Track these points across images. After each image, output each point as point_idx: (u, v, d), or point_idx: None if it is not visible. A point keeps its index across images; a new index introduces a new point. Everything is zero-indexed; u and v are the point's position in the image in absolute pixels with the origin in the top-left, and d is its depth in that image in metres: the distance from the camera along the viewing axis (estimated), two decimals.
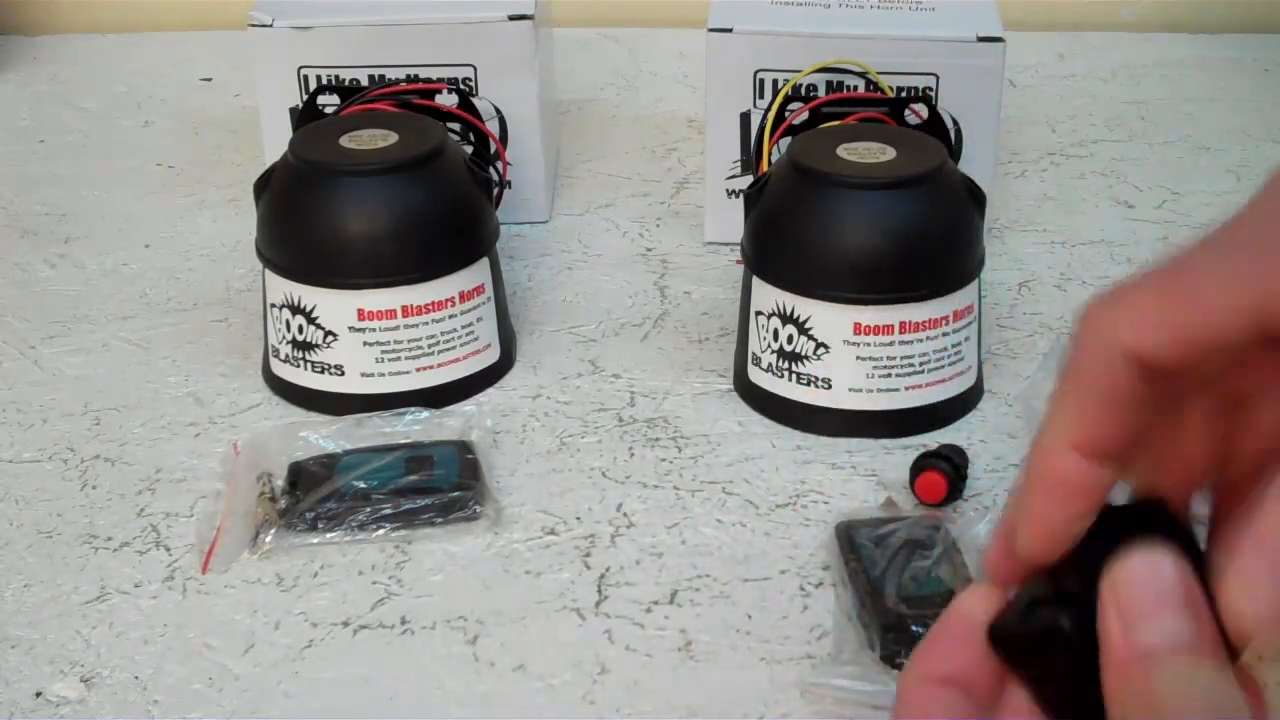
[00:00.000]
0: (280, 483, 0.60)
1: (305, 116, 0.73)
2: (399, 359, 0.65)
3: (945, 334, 0.63)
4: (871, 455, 0.63)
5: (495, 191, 0.70)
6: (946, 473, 0.58)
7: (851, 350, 0.62)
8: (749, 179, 0.76)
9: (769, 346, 0.64)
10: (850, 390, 0.63)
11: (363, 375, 0.65)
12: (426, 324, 0.65)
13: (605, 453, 0.63)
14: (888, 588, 0.52)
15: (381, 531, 0.58)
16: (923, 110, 0.71)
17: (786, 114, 0.72)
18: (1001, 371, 0.68)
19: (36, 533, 0.59)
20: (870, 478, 0.61)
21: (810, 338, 0.62)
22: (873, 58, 0.73)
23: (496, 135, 0.77)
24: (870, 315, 0.62)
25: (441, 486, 0.59)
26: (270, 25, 0.77)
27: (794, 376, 0.63)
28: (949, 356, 0.63)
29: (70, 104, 1.02)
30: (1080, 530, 0.35)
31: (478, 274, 0.66)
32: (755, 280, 0.64)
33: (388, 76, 0.77)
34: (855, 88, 0.74)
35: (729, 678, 0.51)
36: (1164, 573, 0.33)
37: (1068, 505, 0.35)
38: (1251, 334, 0.34)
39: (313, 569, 0.56)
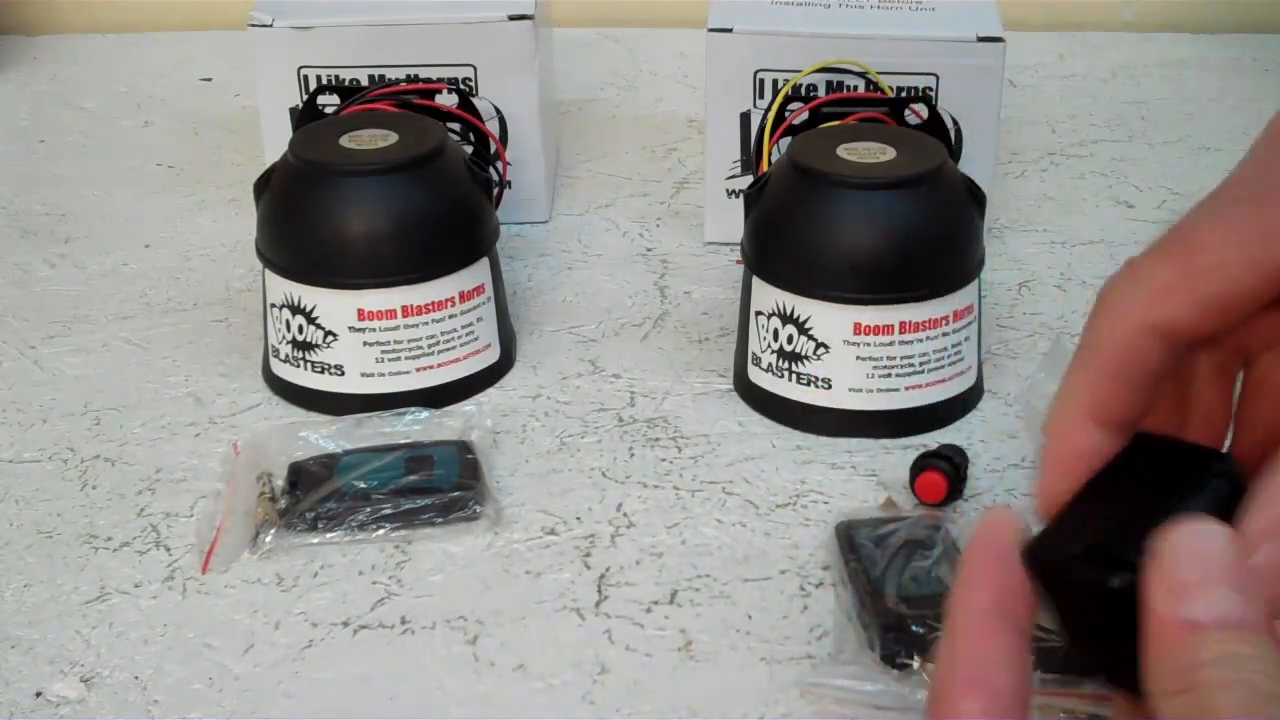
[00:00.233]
0: (280, 483, 0.60)
1: (305, 116, 0.73)
2: (399, 359, 0.65)
3: (945, 334, 0.63)
4: (871, 455, 0.63)
5: (495, 191, 0.70)
6: (946, 473, 0.58)
7: (851, 350, 0.62)
8: (749, 179, 0.76)
9: (769, 346, 0.64)
10: (850, 390, 0.63)
11: (363, 375, 0.65)
12: (426, 324, 0.65)
13: (605, 453, 0.63)
14: (888, 588, 0.52)
15: (381, 531, 0.58)
16: (923, 110, 0.71)
17: (786, 114, 0.72)
18: (1001, 371, 0.68)
19: (36, 533, 0.59)
20: (870, 478, 0.61)
21: (810, 338, 0.62)
22: (873, 58, 0.73)
23: (496, 135, 0.77)
24: (870, 315, 0.62)
25: (441, 486, 0.59)
26: (270, 25, 0.77)
27: (794, 376, 0.63)
28: (949, 356, 0.63)
29: (70, 104, 1.02)
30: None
31: (478, 274, 0.66)
32: (755, 280, 0.64)
33: (388, 76, 0.77)
34: (855, 88, 0.74)
35: (729, 678, 0.51)
36: (1213, 546, 0.32)
37: (1081, 471, 0.36)
38: (1262, 285, 0.34)
39: (313, 569, 0.56)
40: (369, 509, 0.58)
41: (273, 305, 0.66)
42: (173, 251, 0.81)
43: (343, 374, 0.65)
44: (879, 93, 0.73)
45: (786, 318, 0.63)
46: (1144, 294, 0.36)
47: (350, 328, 0.64)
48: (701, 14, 0.76)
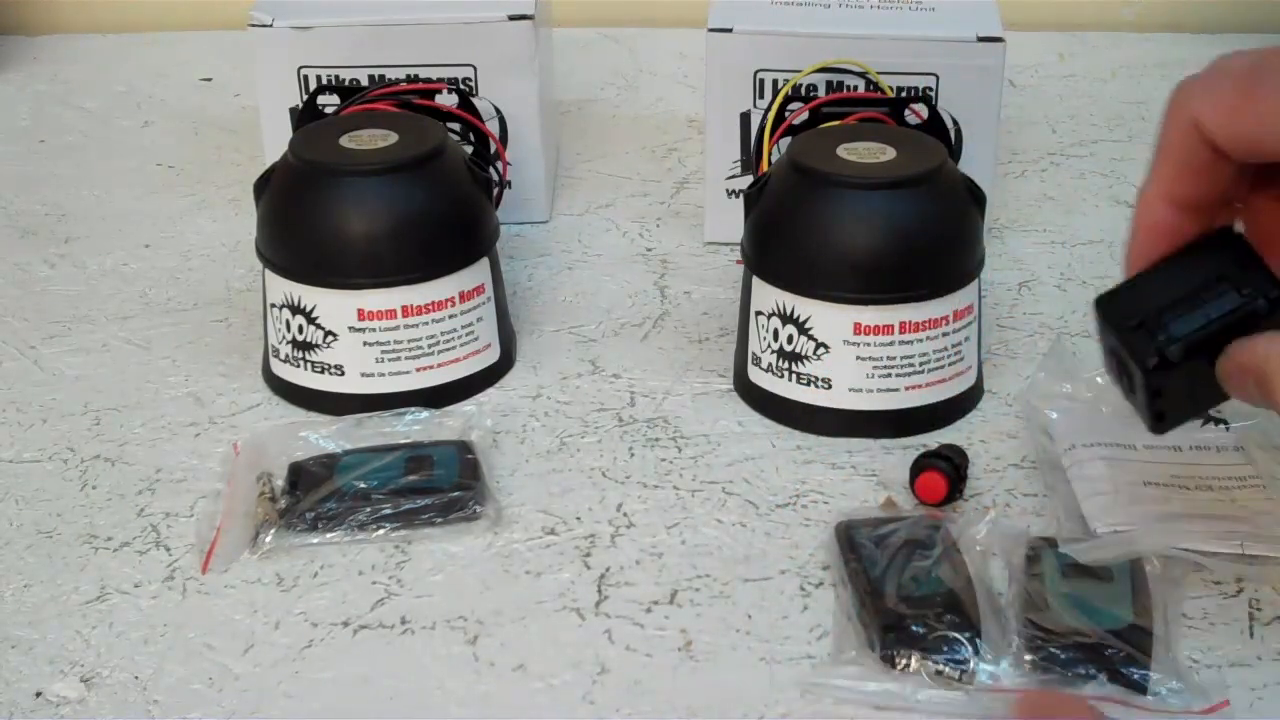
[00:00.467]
0: (280, 483, 0.60)
1: (305, 116, 0.73)
2: (399, 359, 0.65)
3: (945, 334, 0.63)
4: (871, 455, 0.62)
5: (495, 191, 0.70)
6: (946, 473, 0.58)
7: (851, 350, 0.62)
8: (749, 179, 0.76)
9: (769, 346, 0.64)
10: (850, 390, 0.63)
11: (363, 375, 0.65)
12: (426, 324, 0.65)
13: (605, 453, 0.63)
14: (888, 588, 0.52)
15: (381, 531, 0.58)
16: (923, 110, 0.71)
17: (786, 114, 0.72)
18: (1001, 371, 0.68)
19: (36, 533, 0.59)
20: (870, 478, 0.61)
21: (810, 338, 0.62)
22: (873, 58, 0.73)
23: (496, 135, 0.77)
24: (870, 315, 0.62)
25: (441, 486, 0.59)
26: (270, 25, 0.77)
27: (794, 376, 0.63)
28: (949, 356, 0.63)
29: (70, 104, 1.02)
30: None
31: (478, 274, 0.66)
32: (755, 280, 0.64)
33: (388, 76, 0.77)
34: (855, 88, 0.74)
35: (729, 678, 0.51)
36: None
37: (1158, 242, 0.44)
38: None
39: (313, 569, 0.56)
40: (369, 509, 0.58)
41: (273, 305, 0.66)
42: (173, 251, 0.81)
43: (343, 374, 0.65)
44: (879, 93, 0.73)
45: (786, 318, 0.63)
46: (1205, 104, 0.40)
47: (350, 328, 0.64)
48: (701, 14, 0.76)
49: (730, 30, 0.75)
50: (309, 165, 0.64)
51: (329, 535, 0.57)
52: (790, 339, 0.63)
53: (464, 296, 0.65)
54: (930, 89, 0.74)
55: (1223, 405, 0.47)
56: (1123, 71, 1.05)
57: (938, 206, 0.63)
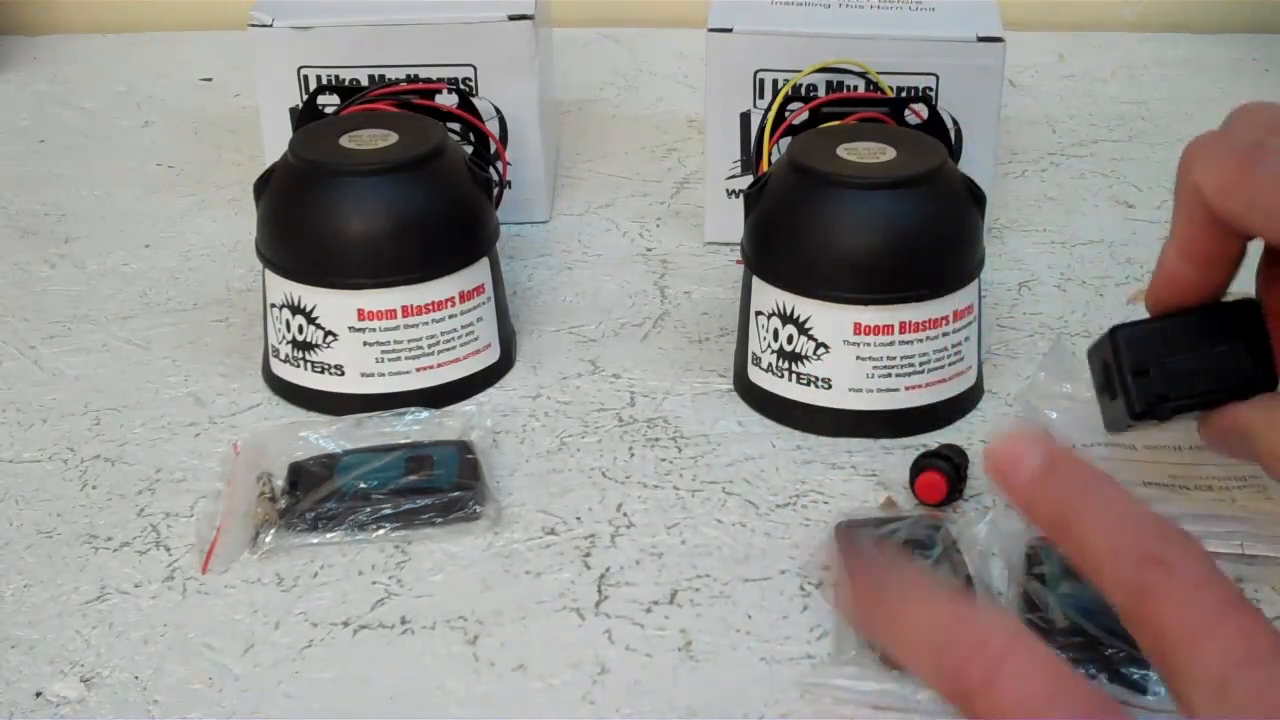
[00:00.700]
0: (280, 483, 0.60)
1: (305, 116, 0.73)
2: (399, 359, 0.65)
3: (945, 334, 0.63)
4: (871, 455, 0.62)
5: (495, 191, 0.70)
6: (946, 473, 0.58)
7: (851, 350, 0.62)
8: (749, 179, 0.76)
9: (769, 346, 0.64)
10: (850, 390, 0.63)
11: (363, 375, 0.65)
12: (426, 324, 0.65)
13: (605, 453, 0.63)
14: None
15: (381, 531, 0.58)
16: (923, 110, 0.71)
17: (786, 114, 0.72)
18: (1001, 371, 0.68)
19: (36, 533, 0.59)
20: (870, 478, 0.61)
21: (810, 338, 0.62)
22: (873, 58, 0.73)
23: (496, 135, 0.77)
24: (870, 315, 0.62)
25: (441, 486, 0.59)
26: (270, 25, 0.77)
27: (794, 376, 0.63)
28: (949, 356, 0.63)
29: (70, 104, 1.02)
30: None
31: (478, 274, 0.66)
32: (755, 280, 0.64)
33: (388, 76, 0.77)
34: (855, 88, 0.74)
35: (729, 678, 0.51)
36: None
37: (1175, 291, 0.46)
38: None
39: (313, 569, 0.56)
40: (369, 509, 0.58)
41: (273, 305, 0.66)
42: (173, 251, 0.81)
43: (343, 374, 0.65)
44: (879, 93, 0.73)
45: (786, 318, 0.63)
46: (1206, 173, 0.42)
47: (350, 328, 0.64)
48: (701, 14, 0.76)
49: (730, 30, 0.75)
50: (309, 165, 0.64)
51: (329, 535, 0.57)
52: (790, 339, 0.63)
53: (464, 296, 0.65)
54: (930, 89, 0.74)
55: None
56: (1123, 71, 1.05)
57: (938, 206, 0.63)
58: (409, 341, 0.64)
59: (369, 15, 0.77)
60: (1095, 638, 0.49)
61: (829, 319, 0.62)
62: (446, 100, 0.75)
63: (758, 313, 0.64)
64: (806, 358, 0.63)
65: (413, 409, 0.64)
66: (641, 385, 0.68)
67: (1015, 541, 0.55)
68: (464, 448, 0.61)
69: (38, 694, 0.51)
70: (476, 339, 0.66)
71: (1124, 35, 1.11)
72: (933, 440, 0.63)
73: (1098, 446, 0.59)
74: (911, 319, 0.62)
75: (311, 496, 0.58)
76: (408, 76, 0.77)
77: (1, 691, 0.51)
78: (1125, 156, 0.91)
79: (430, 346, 0.65)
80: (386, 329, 0.64)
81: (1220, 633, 0.32)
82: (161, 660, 0.52)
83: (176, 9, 1.15)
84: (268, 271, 0.66)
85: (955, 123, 0.74)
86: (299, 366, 0.65)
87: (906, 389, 0.63)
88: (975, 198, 0.64)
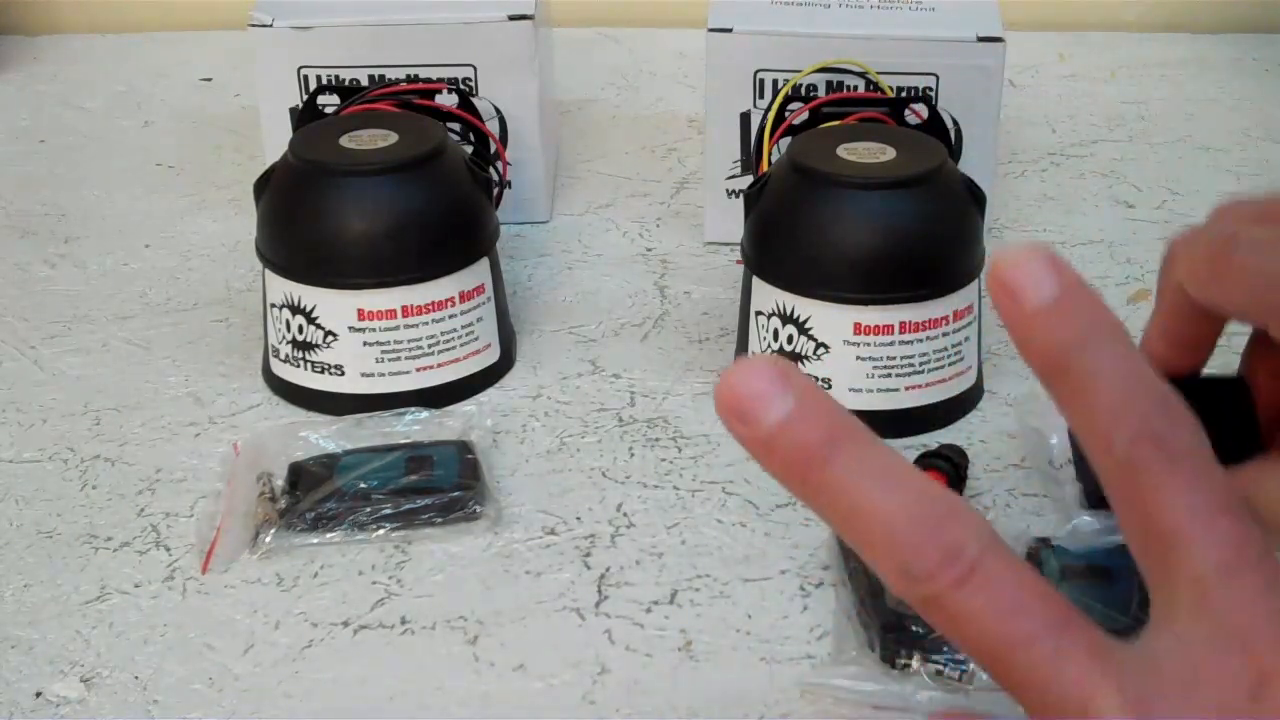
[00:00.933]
0: (280, 483, 0.60)
1: (305, 116, 0.73)
2: (399, 359, 0.65)
3: (945, 334, 0.63)
4: None
5: (495, 191, 0.70)
6: (946, 473, 0.58)
7: (851, 350, 0.62)
8: (749, 179, 0.76)
9: (769, 346, 0.64)
10: (850, 390, 0.63)
11: (363, 375, 0.65)
12: (426, 324, 0.65)
13: (605, 453, 0.63)
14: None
15: (381, 531, 0.58)
16: (923, 110, 0.71)
17: (786, 114, 0.72)
18: (1001, 371, 0.68)
19: (36, 533, 0.59)
20: None
21: (810, 338, 0.62)
22: (873, 58, 0.73)
23: (496, 135, 0.77)
24: (870, 315, 0.62)
25: (442, 486, 0.59)
26: (270, 25, 0.77)
27: None
28: (949, 356, 0.63)
29: (70, 104, 1.02)
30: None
31: (478, 274, 0.66)
32: (755, 280, 0.64)
33: (388, 76, 0.77)
34: (855, 88, 0.74)
35: (729, 678, 0.51)
36: None
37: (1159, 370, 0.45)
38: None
39: (313, 569, 0.56)
40: (369, 509, 0.58)
41: (273, 305, 0.66)
42: (173, 251, 0.81)
43: (343, 374, 0.65)
44: (879, 93, 0.73)
45: (786, 318, 0.63)
46: (1183, 265, 0.42)
47: (350, 328, 0.64)
48: (701, 14, 0.76)
49: (730, 30, 0.75)
50: (309, 165, 0.64)
51: (329, 535, 0.57)
52: (790, 339, 0.63)
53: (464, 296, 0.65)
54: (930, 89, 0.74)
55: None
56: (1123, 71, 1.05)
57: (938, 206, 0.63)
58: (409, 341, 0.64)
59: (369, 15, 0.77)
60: None
61: (829, 319, 0.62)
62: (446, 100, 0.75)
63: (758, 313, 0.64)
64: (807, 358, 0.63)
65: (413, 409, 0.64)
66: (642, 385, 0.68)
67: (1015, 542, 0.55)
68: (464, 448, 0.61)
69: (38, 694, 0.51)
70: (476, 339, 0.66)
71: (1124, 35, 1.11)
72: (933, 440, 0.63)
73: None
74: (911, 319, 0.62)
75: (311, 496, 0.58)
76: (408, 76, 0.77)
77: (1, 691, 0.51)
78: (1125, 156, 0.91)
79: (430, 346, 0.65)
80: (386, 329, 0.64)
81: (1208, 534, 0.31)
82: (161, 660, 0.52)
83: (176, 9, 1.15)
84: (268, 271, 0.66)
85: (955, 123, 0.74)
86: (299, 366, 0.65)
87: (907, 389, 0.63)
88: (975, 198, 0.64)
